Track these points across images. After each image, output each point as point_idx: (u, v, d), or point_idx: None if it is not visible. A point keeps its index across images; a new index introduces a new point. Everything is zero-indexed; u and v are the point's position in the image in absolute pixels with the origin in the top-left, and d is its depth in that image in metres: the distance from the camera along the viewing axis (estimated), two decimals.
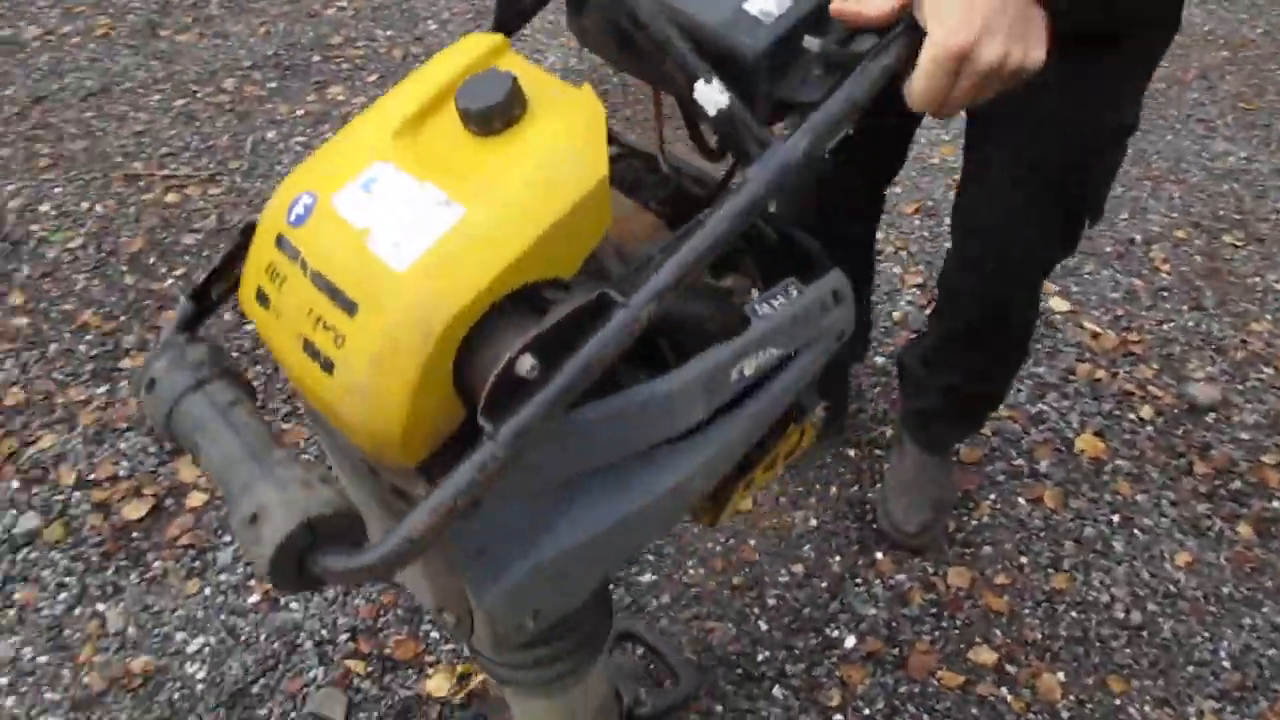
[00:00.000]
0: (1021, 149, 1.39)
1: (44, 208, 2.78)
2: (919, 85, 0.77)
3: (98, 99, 3.24)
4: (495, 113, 0.75)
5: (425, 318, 0.69)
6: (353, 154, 0.78)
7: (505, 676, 1.06)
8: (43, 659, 1.75)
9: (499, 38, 0.83)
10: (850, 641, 1.74)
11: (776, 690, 1.68)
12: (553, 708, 1.13)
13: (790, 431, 1.02)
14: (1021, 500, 1.96)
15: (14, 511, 1.99)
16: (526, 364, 0.69)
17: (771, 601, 1.81)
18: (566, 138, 0.75)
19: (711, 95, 0.77)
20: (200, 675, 1.71)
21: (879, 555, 1.87)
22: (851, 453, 2.06)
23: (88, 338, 2.35)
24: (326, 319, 0.72)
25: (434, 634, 1.75)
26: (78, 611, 1.82)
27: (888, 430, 2.09)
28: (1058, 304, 2.41)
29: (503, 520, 0.80)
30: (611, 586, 1.66)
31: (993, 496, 1.97)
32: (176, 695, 1.69)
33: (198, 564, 1.88)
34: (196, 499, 1.98)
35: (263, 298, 0.78)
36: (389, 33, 3.62)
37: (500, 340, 0.71)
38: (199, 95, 3.25)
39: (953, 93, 0.78)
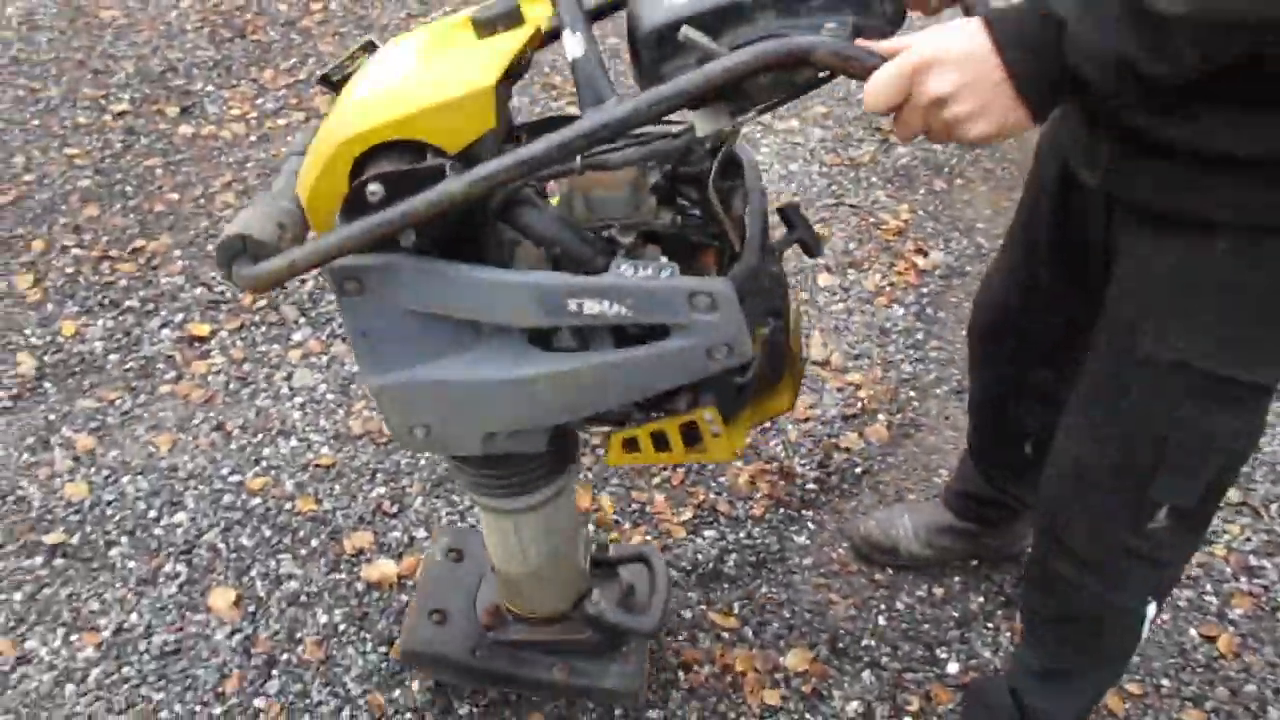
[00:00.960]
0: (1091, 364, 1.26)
1: None
2: (871, 83, 0.87)
3: None
4: (485, 22, 1.04)
5: (337, 132, 1.02)
6: (419, 30, 1.14)
7: (466, 487, 1.40)
8: (330, 397, 2.23)
9: None
10: (953, 668, 1.80)
11: (866, 674, 1.78)
12: (496, 527, 1.45)
13: (675, 416, 1.17)
14: (1194, 632, 1.90)
15: None
16: (377, 190, 0.97)
17: (900, 606, 1.90)
18: (488, 53, 1.02)
19: (572, 44, 0.98)
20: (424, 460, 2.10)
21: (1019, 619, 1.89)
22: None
23: None
24: (322, 124, 1.08)
25: None
26: None
27: None
28: None
29: (388, 327, 1.10)
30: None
31: (1166, 616, 1.92)
32: (403, 461, 2.09)
33: None
34: None
35: None
36: None
37: (375, 166, 1.00)
38: None
39: (903, 111, 0.89)
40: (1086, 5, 0.85)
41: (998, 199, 3.08)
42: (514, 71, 1.06)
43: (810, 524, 2.04)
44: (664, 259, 1.08)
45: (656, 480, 2.10)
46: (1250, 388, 1.14)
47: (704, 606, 1.87)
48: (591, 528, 1.99)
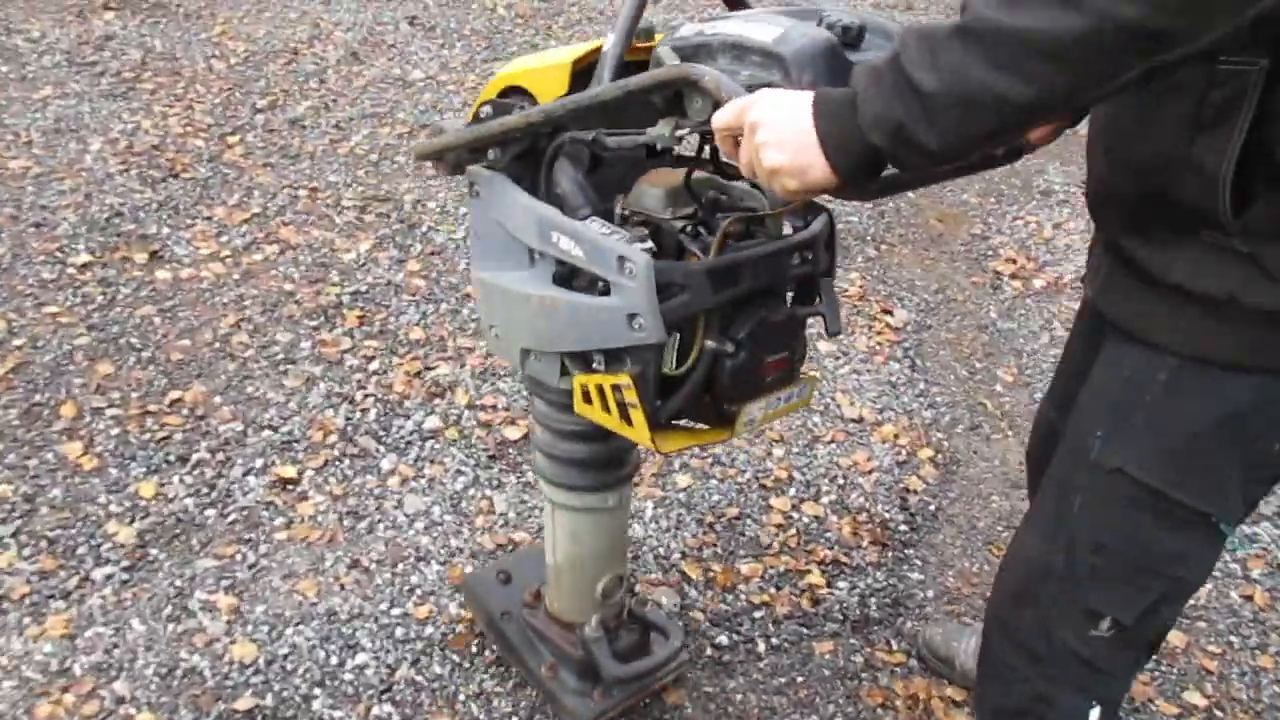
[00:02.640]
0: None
1: (430, 204, 3.46)
2: (721, 108, 1.07)
3: None
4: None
5: (499, 74, 1.49)
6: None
7: (542, 477, 1.68)
8: (448, 517, 2.28)
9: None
10: None
11: None
12: (547, 508, 1.72)
13: (604, 375, 1.34)
14: (1234, 595, 2.32)
15: (422, 412, 2.56)
16: (486, 110, 1.44)
17: None
18: (584, 46, 1.41)
19: (607, 42, 1.34)
20: None
21: None
22: None
23: (470, 305, 2.95)
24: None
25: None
26: (472, 492, 2.35)
27: None
28: None
29: (485, 231, 1.48)
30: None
31: (1208, 587, 2.33)
32: None
33: None
34: None
35: None
36: None
37: (500, 103, 1.44)
38: None
39: (741, 145, 1.06)
40: (876, 80, 0.96)
41: (921, 257, 3.54)
42: (588, 63, 1.39)
43: (917, 560, 2.31)
44: (628, 233, 1.30)
45: (774, 548, 2.31)
46: (1185, 511, 1.23)
47: (869, 649, 2.09)
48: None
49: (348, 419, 2.51)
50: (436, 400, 2.60)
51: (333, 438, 2.45)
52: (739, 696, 1.97)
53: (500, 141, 1.40)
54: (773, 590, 2.20)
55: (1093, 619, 1.32)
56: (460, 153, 1.47)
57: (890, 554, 2.32)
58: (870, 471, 2.55)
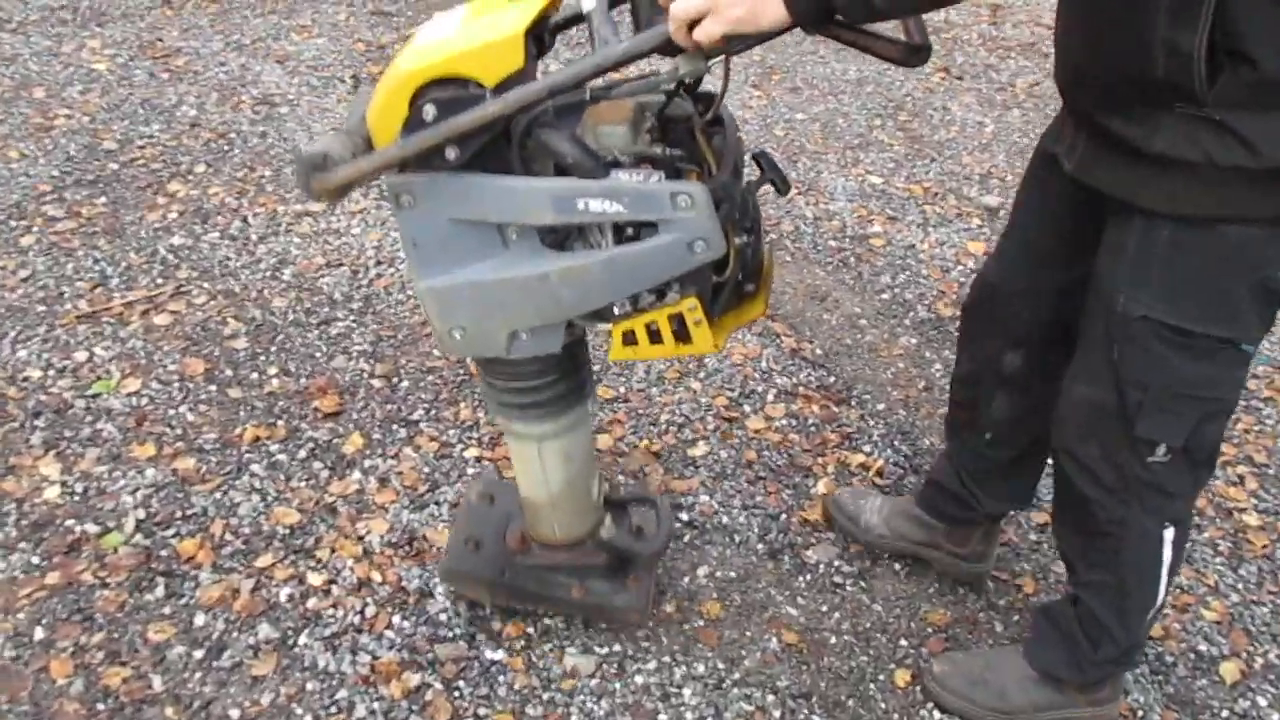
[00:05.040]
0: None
1: None
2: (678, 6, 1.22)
3: None
4: None
5: (402, 69, 1.32)
6: (451, 10, 1.42)
7: (493, 410, 1.71)
8: None
9: None
10: None
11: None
12: (522, 454, 1.76)
13: (664, 308, 1.42)
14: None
15: None
16: (430, 111, 1.28)
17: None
18: (519, 10, 1.30)
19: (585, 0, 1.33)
20: None
21: None
22: None
23: None
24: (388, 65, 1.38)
25: None
26: None
27: None
28: None
29: (433, 235, 1.38)
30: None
31: None
32: None
33: None
34: None
35: None
36: None
37: (426, 95, 1.29)
38: None
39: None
40: None
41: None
42: (539, 30, 1.37)
43: None
44: (659, 173, 1.35)
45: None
46: (1209, 341, 1.43)
47: None
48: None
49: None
50: None
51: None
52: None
53: (465, 137, 1.30)
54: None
55: (1149, 446, 1.53)
56: (390, 170, 1.36)
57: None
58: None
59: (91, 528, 2.16)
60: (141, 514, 2.20)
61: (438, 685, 1.89)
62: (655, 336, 1.44)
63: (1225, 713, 1.98)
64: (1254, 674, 2.06)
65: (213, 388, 2.58)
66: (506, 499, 2.03)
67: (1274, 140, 1.28)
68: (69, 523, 2.17)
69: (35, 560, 2.09)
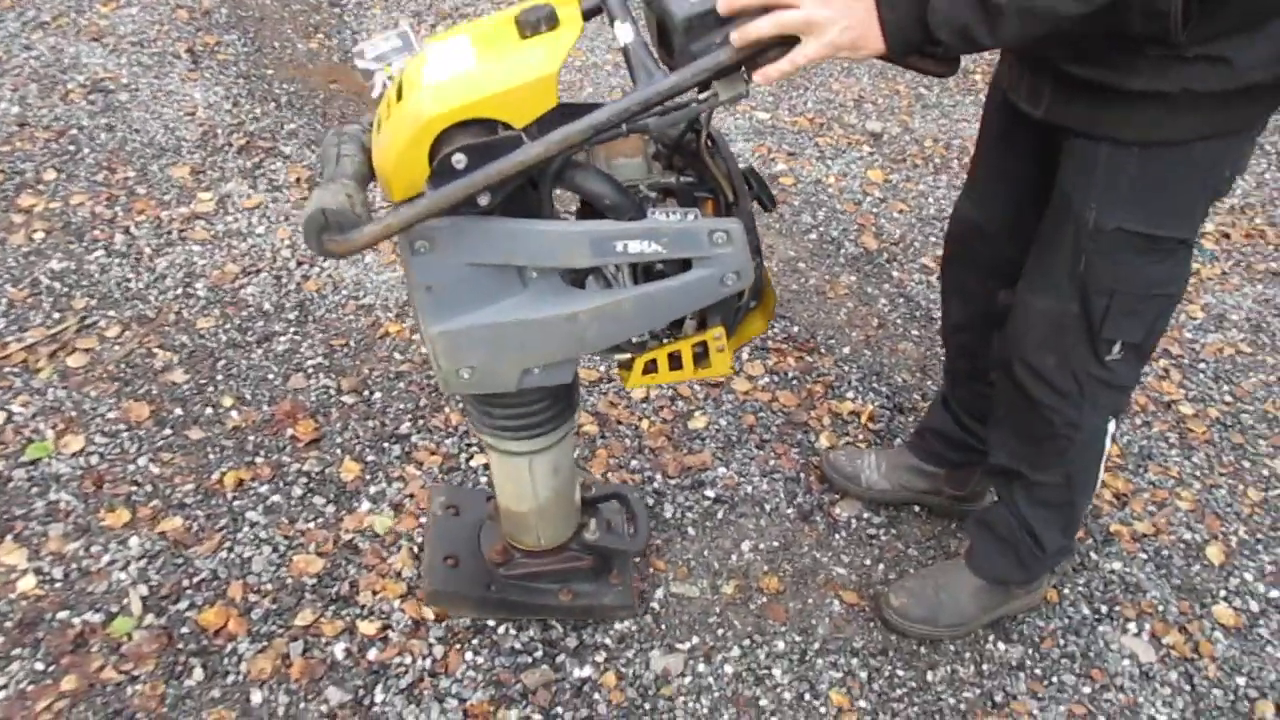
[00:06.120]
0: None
1: None
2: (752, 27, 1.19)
3: None
4: (529, 23, 1.23)
5: (420, 111, 1.20)
6: (456, 31, 1.33)
7: (479, 429, 1.66)
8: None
9: None
10: None
11: None
12: (510, 470, 1.72)
13: (688, 334, 1.45)
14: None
15: None
16: (460, 159, 1.17)
17: None
18: (544, 47, 1.23)
19: (623, 32, 1.25)
20: None
21: None
22: None
23: None
24: (390, 104, 1.27)
25: None
26: None
27: None
28: None
29: (450, 280, 1.31)
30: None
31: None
32: None
33: None
34: None
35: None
36: None
37: (454, 140, 1.19)
38: None
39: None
40: None
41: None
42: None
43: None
44: (685, 208, 1.36)
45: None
46: (1171, 242, 1.54)
47: None
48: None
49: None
50: None
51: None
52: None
53: (505, 183, 1.21)
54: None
55: (1107, 346, 1.62)
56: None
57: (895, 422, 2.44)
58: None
59: (92, 616, 1.93)
60: (144, 590, 1.98)
61: (537, 717, 1.84)
62: (676, 362, 1.47)
63: (1223, 592, 2.22)
64: (1234, 552, 2.31)
65: (167, 431, 2.33)
66: (472, 507, 2.01)
67: (1249, 59, 1.34)
68: (61, 615, 1.93)
69: (40, 666, 1.84)
